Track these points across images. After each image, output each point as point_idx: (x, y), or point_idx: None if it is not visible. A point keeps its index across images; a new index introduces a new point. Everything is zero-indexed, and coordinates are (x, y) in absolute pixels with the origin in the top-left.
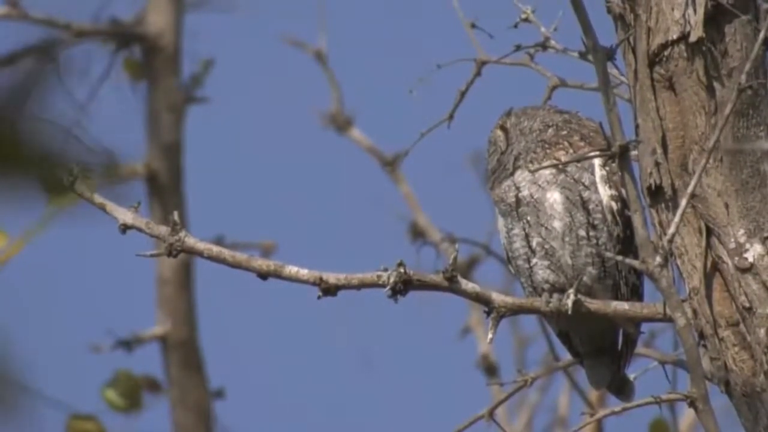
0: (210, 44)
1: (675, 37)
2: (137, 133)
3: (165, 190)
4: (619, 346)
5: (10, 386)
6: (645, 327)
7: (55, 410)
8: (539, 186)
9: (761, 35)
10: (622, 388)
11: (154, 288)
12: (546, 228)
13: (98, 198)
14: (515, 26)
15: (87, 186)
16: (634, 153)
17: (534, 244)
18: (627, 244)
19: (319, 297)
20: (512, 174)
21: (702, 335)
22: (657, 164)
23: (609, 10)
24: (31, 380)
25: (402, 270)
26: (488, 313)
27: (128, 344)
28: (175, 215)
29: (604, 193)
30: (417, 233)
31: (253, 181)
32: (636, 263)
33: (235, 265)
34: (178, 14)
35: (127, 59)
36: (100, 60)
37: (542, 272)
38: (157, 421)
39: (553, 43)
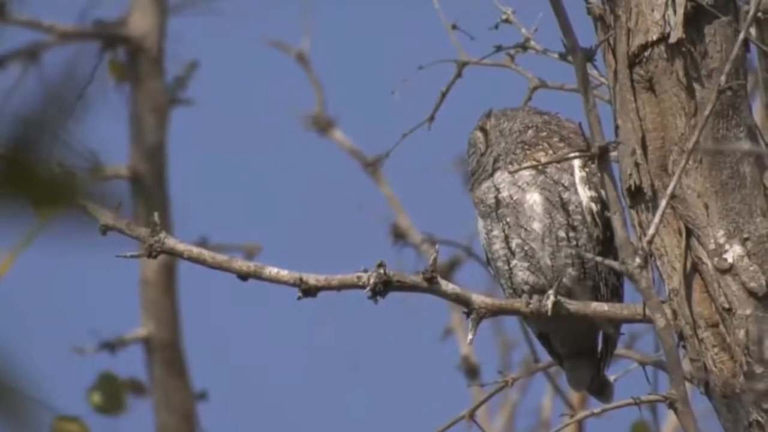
0: (193, 46)
1: (655, 38)
2: (121, 135)
3: (149, 192)
4: (599, 348)
5: (14, 395)
6: (625, 328)
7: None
8: (519, 187)
9: (741, 36)
10: (602, 390)
11: (138, 290)
12: (525, 229)
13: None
14: (496, 27)
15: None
16: (613, 154)
17: (514, 245)
18: (607, 245)
19: (299, 298)
20: (492, 175)
21: (682, 336)
22: (637, 165)
23: (589, 11)
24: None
25: (382, 271)
26: (468, 314)
27: (112, 346)
28: (156, 216)
29: (584, 194)
30: (398, 235)
31: (236, 183)
32: (615, 264)
33: (216, 266)
34: (162, 16)
35: (111, 61)
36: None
37: (522, 273)
38: (141, 422)
39: (533, 44)
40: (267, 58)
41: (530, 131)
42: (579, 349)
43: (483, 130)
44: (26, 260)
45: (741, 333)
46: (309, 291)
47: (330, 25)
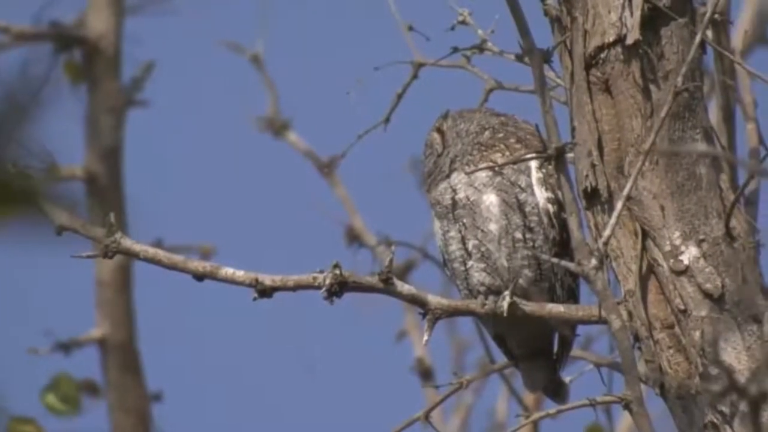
0: (150, 47)
1: (611, 39)
2: (77, 136)
3: (104, 193)
4: (555, 349)
5: None
6: (581, 330)
7: None
8: (475, 188)
9: (697, 38)
10: (557, 391)
11: (93, 291)
12: (482, 230)
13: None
14: (452, 28)
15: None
16: (570, 155)
17: (470, 246)
18: (563, 246)
19: (254, 299)
20: (448, 176)
21: (637, 337)
22: (593, 166)
23: (546, 13)
24: None
25: (337, 271)
26: (424, 315)
27: (66, 347)
28: (111, 217)
29: (541, 195)
30: (353, 237)
31: (191, 184)
32: (571, 265)
33: (171, 267)
34: (118, 17)
35: (67, 62)
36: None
37: (478, 275)
38: (96, 424)
39: (490, 45)
40: (223, 60)
41: (487, 132)
42: (534, 351)
43: (439, 131)
44: None
45: (696, 334)
46: (265, 291)
47: (285, 26)
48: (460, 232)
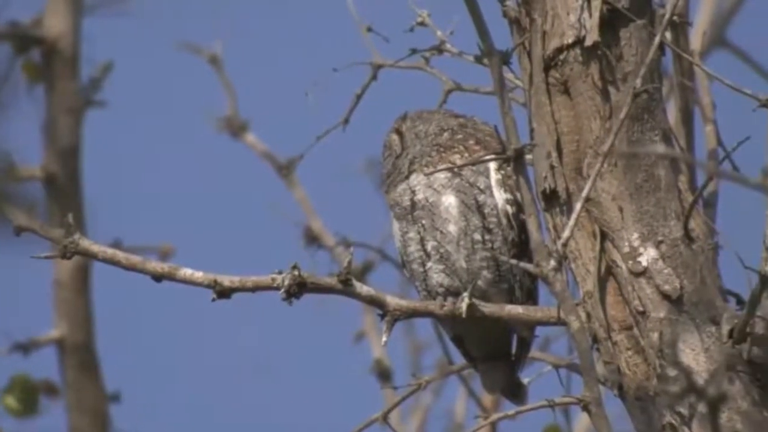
0: (108, 48)
1: (570, 41)
2: (35, 136)
3: (63, 194)
4: (514, 350)
5: None
6: (540, 331)
7: None
8: (434, 190)
9: (656, 39)
10: (516, 392)
11: (51, 291)
12: (441, 232)
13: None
14: (411, 30)
15: None
16: (529, 157)
17: (429, 247)
18: (522, 247)
19: (213, 299)
20: (407, 177)
21: (596, 339)
22: (552, 168)
23: (505, 14)
24: None
25: (296, 273)
26: (382, 316)
27: (24, 348)
28: (70, 217)
29: (500, 196)
30: (311, 238)
31: (149, 185)
32: (530, 267)
33: (130, 268)
34: (76, 17)
35: (25, 62)
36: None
37: (437, 276)
38: (53, 424)
39: (448, 46)
40: (181, 60)
41: (446, 134)
42: (493, 352)
43: (398, 132)
44: None
45: (654, 336)
46: (223, 292)
47: (244, 26)
48: (419, 233)
